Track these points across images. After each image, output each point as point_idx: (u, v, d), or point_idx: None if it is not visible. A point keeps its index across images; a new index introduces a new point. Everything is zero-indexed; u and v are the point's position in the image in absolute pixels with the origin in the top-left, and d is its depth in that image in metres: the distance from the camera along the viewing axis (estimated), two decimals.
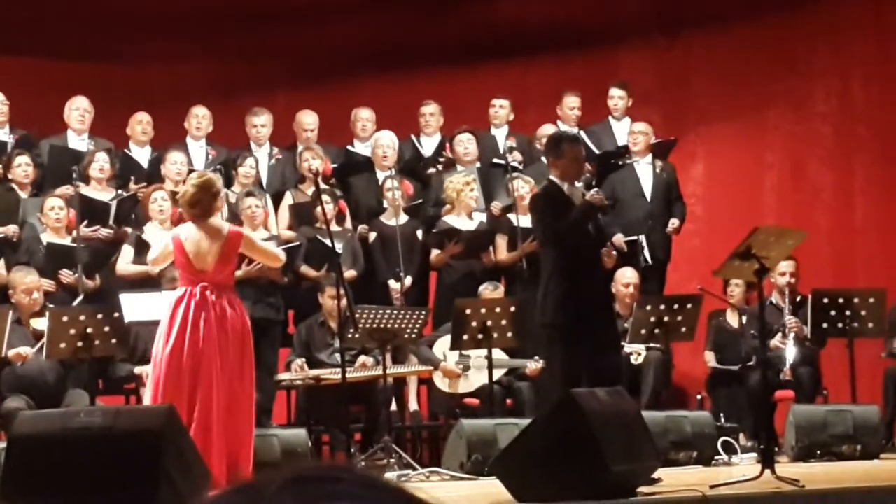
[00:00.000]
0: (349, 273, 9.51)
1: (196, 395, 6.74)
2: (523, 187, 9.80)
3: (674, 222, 10.33)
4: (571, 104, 10.75)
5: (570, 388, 6.62)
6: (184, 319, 6.80)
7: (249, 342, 7.00)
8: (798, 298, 9.67)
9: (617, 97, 10.84)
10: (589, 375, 7.28)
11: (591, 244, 7.42)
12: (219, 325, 6.83)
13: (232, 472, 6.72)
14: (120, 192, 9.62)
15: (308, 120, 10.48)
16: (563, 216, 7.35)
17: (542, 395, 8.68)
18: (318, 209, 9.02)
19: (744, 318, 9.99)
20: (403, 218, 9.87)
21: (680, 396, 10.35)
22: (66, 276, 8.95)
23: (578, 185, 7.57)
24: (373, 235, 9.89)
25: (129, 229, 9.41)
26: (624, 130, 10.77)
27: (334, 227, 9.43)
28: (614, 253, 7.70)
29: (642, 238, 9.94)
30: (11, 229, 9.22)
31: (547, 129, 10.52)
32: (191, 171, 9.82)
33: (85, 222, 9.19)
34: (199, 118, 10.28)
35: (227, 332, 6.85)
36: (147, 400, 6.94)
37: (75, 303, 8.81)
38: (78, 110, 10.03)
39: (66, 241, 9.15)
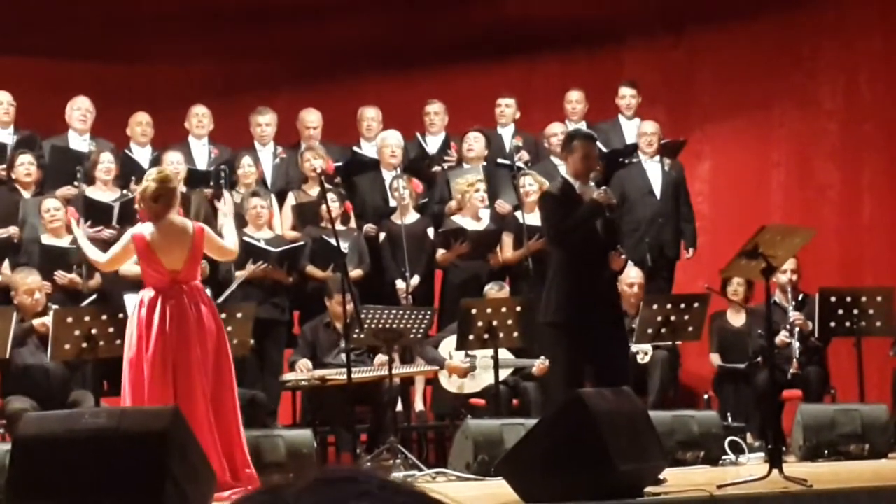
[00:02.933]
0: (355, 272, 9.49)
1: (177, 397, 6.69)
2: (531, 185, 9.77)
3: (688, 252, 10.34)
4: (572, 99, 10.74)
5: (573, 387, 6.60)
6: (162, 320, 6.75)
7: (224, 339, 6.97)
8: (801, 296, 9.63)
9: (629, 96, 10.82)
10: (597, 375, 7.25)
11: (598, 244, 7.33)
12: (197, 325, 6.80)
13: (228, 464, 6.70)
14: (125, 192, 9.61)
15: (311, 118, 10.46)
16: (569, 215, 7.32)
17: (548, 394, 8.68)
18: (324, 208, 9.00)
19: (748, 318, 9.96)
20: (412, 217, 9.84)
21: (687, 396, 10.31)
22: (61, 276, 8.92)
23: (592, 183, 7.51)
24: (382, 235, 9.87)
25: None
26: (633, 129, 10.73)
27: (339, 227, 9.41)
28: (623, 256, 7.49)
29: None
30: (12, 230, 9.20)
31: (554, 128, 10.51)
32: (191, 169, 9.83)
33: (88, 223, 9.17)
34: (200, 117, 10.26)
35: (205, 331, 6.82)
36: (127, 403, 6.83)
37: (85, 303, 8.78)
38: (79, 110, 10.00)
39: (64, 242, 9.13)
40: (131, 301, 7.98)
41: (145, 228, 6.96)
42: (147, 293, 6.89)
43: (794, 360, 9.39)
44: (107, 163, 9.54)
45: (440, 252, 9.79)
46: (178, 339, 6.75)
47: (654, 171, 10.36)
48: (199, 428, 6.65)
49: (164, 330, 6.74)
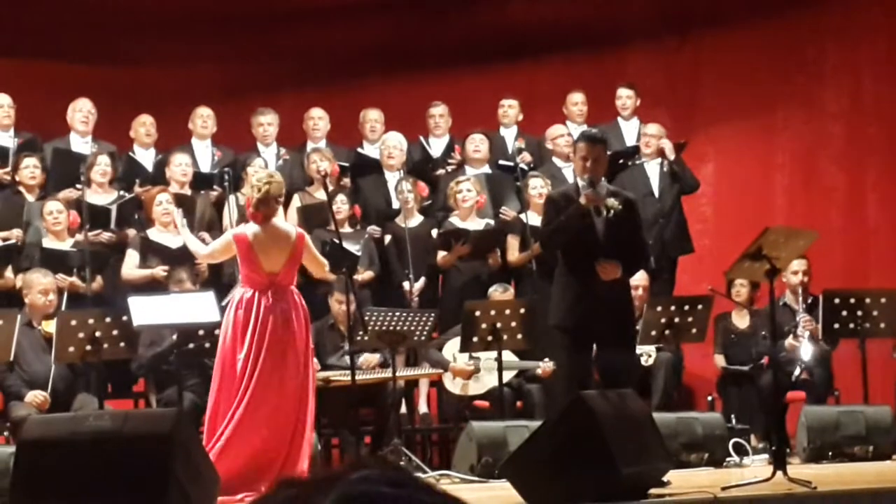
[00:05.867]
0: (367, 274, 9.51)
1: (245, 395, 6.81)
2: (542, 187, 9.76)
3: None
4: (574, 101, 10.75)
5: (575, 390, 6.59)
6: (255, 321, 6.88)
7: (309, 343, 7.10)
8: (811, 299, 9.62)
9: (625, 97, 10.83)
10: (601, 377, 7.24)
11: (593, 247, 7.15)
12: (285, 329, 6.92)
13: (279, 471, 6.76)
14: (122, 193, 9.61)
15: (317, 114, 10.48)
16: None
17: (552, 396, 8.69)
18: (333, 210, 9.04)
19: (753, 319, 9.95)
20: (416, 220, 9.83)
21: (690, 398, 10.31)
22: (62, 280, 8.92)
23: (604, 182, 7.41)
24: (387, 238, 9.87)
25: (132, 231, 9.40)
26: (632, 130, 10.75)
27: (349, 230, 9.43)
28: (611, 265, 7.12)
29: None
30: (15, 234, 9.19)
31: (557, 130, 10.51)
32: (196, 172, 9.83)
33: (87, 226, 9.17)
34: (204, 118, 10.27)
35: (295, 334, 6.94)
36: (211, 402, 6.97)
37: (63, 305, 8.76)
38: (81, 112, 10.00)
39: (66, 245, 9.13)
40: (135, 304, 8.01)
41: (248, 229, 7.09)
42: (245, 292, 7.00)
43: (800, 366, 9.33)
44: (103, 165, 9.54)
45: (441, 254, 9.78)
46: (271, 340, 6.86)
47: (654, 171, 10.38)
48: (260, 427, 6.79)
49: (257, 330, 6.87)
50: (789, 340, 9.34)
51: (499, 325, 8.46)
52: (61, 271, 8.92)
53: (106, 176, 9.56)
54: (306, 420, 6.99)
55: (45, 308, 8.48)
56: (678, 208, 10.42)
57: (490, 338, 8.48)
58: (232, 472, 6.60)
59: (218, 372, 7.00)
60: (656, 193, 10.31)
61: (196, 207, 9.48)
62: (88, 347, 7.97)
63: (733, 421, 9.23)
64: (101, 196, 9.49)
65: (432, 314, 8.71)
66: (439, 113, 10.61)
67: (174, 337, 8.32)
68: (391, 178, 10.14)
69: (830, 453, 8.41)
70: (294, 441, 6.92)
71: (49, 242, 9.11)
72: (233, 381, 6.88)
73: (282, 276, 7.02)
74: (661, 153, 10.35)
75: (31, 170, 9.47)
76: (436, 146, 10.61)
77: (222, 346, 6.99)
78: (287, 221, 9.82)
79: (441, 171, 10.44)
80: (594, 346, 7.23)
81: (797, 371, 9.34)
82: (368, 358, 8.92)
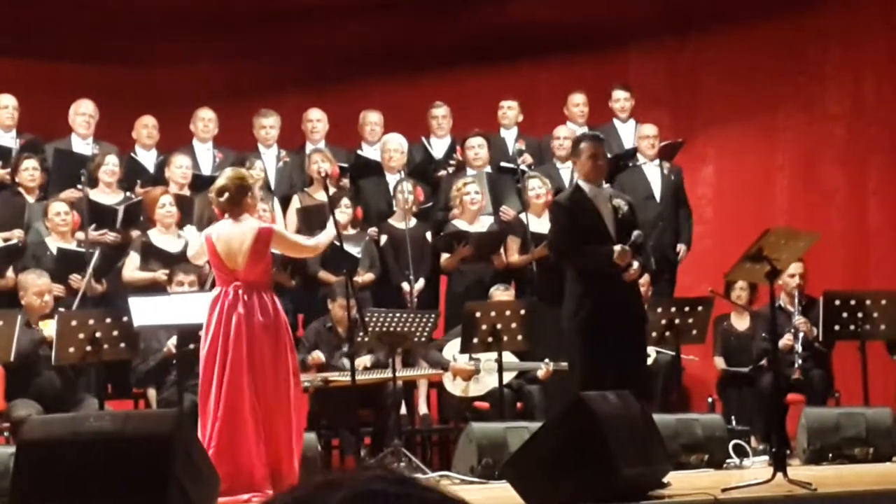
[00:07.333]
0: (367, 276, 9.51)
1: (221, 395, 6.76)
2: (540, 188, 9.76)
3: (680, 248, 10.33)
4: (576, 102, 10.74)
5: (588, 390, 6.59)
6: (218, 320, 6.83)
7: (284, 341, 6.93)
8: (805, 301, 9.62)
9: (623, 99, 10.81)
10: (614, 379, 7.24)
11: (608, 255, 7.33)
12: (248, 325, 6.80)
13: (270, 472, 6.72)
14: (129, 194, 9.61)
15: (316, 116, 10.47)
16: (574, 228, 7.35)
17: (552, 398, 8.70)
18: (337, 212, 9.04)
19: (752, 321, 9.95)
20: (413, 221, 9.84)
21: (690, 399, 10.31)
22: (76, 280, 8.92)
23: (606, 185, 7.47)
24: (384, 238, 9.87)
25: (137, 232, 9.39)
26: (629, 132, 10.74)
27: (350, 231, 9.43)
28: (635, 266, 7.38)
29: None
30: (17, 234, 9.19)
31: (561, 131, 10.50)
32: (195, 175, 9.84)
33: (93, 226, 9.17)
34: (206, 121, 10.26)
35: (256, 331, 6.81)
36: (199, 403, 6.97)
37: (74, 305, 8.76)
38: (83, 115, 9.99)
39: (73, 245, 9.13)
40: (136, 305, 8.01)
41: (214, 229, 7.03)
42: (215, 291, 6.98)
43: (796, 366, 9.37)
44: (111, 165, 9.55)
45: (444, 257, 9.78)
46: (236, 338, 6.78)
47: (654, 174, 10.37)
48: (243, 426, 6.72)
49: (219, 329, 6.82)
50: (784, 341, 9.32)
51: (499, 326, 8.46)
52: (75, 271, 8.93)
53: (114, 176, 9.56)
54: (293, 418, 6.89)
55: (41, 309, 8.48)
56: (677, 212, 10.41)
57: (490, 339, 8.48)
58: (232, 472, 6.58)
59: (199, 373, 6.97)
60: (657, 196, 10.30)
61: (195, 208, 9.48)
62: (89, 348, 7.97)
63: (733, 422, 9.23)
64: (108, 196, 9.48)
65: (433, 315, 8.71)
66: (441, 114, 10.60)
67: (169, 345, 8.36)
68: (392, 179, 10.13)
69: (831, 455, 8.40)
70: (282, 439, 6.82)
71: (53, 242, 9.11)
72: (206, 381, 6.83)
73: (245, 273, 6.84)
74: (659, 155, 10.35)
75: (30, 172, 9.46)
76: (438, 147, 10.60)
77: (202, 347, 6.96)
78: (286, 222, 9.87)
79: (443, 172, 10.44)
80: (610, 349, 7.27)
81: (795, 366, 9.35)
82: (361, 359, 8.93)
